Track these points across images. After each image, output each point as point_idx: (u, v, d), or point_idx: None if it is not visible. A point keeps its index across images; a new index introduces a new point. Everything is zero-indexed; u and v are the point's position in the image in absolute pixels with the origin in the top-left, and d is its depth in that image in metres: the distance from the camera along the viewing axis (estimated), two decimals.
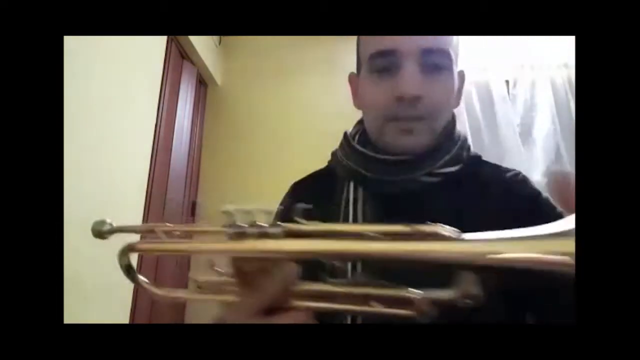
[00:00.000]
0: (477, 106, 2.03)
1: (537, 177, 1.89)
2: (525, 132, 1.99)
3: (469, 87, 2.09)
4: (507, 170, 0.56)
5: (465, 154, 0.54)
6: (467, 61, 2.12)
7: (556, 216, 0.48)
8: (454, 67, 0.51)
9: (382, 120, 0.51)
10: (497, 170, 0.55)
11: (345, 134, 0.61)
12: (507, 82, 2.08)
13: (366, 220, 0.51)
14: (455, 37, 0.51)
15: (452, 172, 0.51)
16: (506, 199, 0.51)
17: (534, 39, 2.03)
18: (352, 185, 0.54)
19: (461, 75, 0.55)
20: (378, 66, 0.50)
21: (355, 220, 0.51)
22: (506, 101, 2.03)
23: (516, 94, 2.07)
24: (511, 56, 2.06)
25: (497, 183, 0.53)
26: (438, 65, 0.49)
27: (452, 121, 0.55)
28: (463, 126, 1.82)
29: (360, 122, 0.61)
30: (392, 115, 0.50)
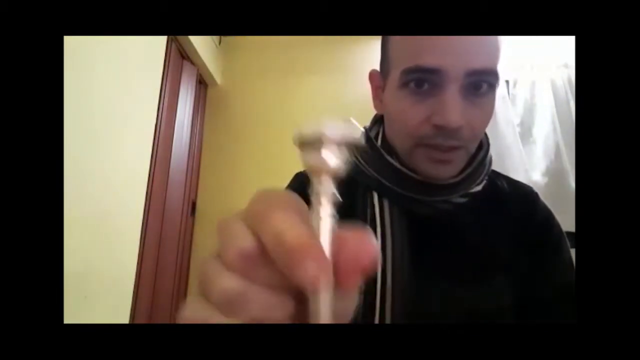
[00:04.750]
0: None
1: (537, 176, 1.89)
2: (525, 132, 1.99)
3: None
4: (519, 185, 0.57)
5: (488, 173, 0.53)
6: None
7: (563, 241, 0.52)
8: (497, 85, 0.45)
9: (412, 143, 0.46)
10: (511, 185, 0.56)
11: (367, 133, 0.53)
12: (507, 82, 2.09)
13: (395, 239, 0.47)
14: (502, 47, 0.45)
15: (478, 191, 0.51)
16: (521, 216, 0.52)
17: (534, 39, 2.03)
18: (375, 197, 0.49)
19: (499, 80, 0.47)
20: (415, 83, 0.43)
21: (383, 239, 0.47)
22: (506, 101, 2.03)
23: (516, 94, 2.07)
24: (511, 56, 2.06)
25: (513, 199, 0.54)
26: (483, 87, 0.43)
27: (486, 144, 0.52)
28: None
29: (379, 121, 0.56)
30: (425, 141, 0.44)
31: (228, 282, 0.16)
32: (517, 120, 2.01)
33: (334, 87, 2.09)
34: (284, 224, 0.16)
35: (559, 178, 1.88)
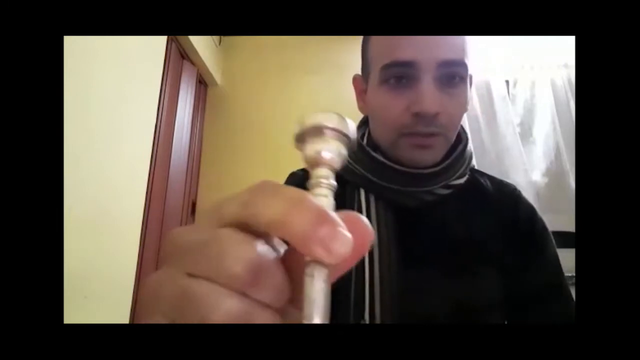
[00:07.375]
0: (477, 106, 2.03)
1: (537, 177, 1.89)
2: (525, 132, 1.99)
3: None
4: (502, 182, 0.59)
5: (469, 166, 0.55)
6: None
7: (548, 237, 0.53)
8: (468, 77, 0.50)
9: (396, 134, 0.49)
10: (494, 183, 0.58)
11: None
12: (507, 82, 2.09)
13: (381, 233, 0.49)
14: (468, 44, 0.49)
15: (460, 184, 0.53)
16: (505, 212, 0.53)
17: (534, 39, 2.03)
18: (362, 193, 0.52)
19: (471, 79, 0.52)
20: (393, 77, 0.48)
21: None
22: (506, 101, 2.03)
23: (516, 94, 2.07)
24: (511, 56, 2.06)
25: (496, 196, 0.55)
26: (455, 78, 0.48)
27: (465, 138, 0.55)
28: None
29: (364, 123, 0.59)
30: (407, 130, 0.48)
31: (233, 303, 0.14)
32: (517, 120, 2.01)
33: (333, 86, 2.09)
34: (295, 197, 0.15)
35: (559, 178, 1.88)
